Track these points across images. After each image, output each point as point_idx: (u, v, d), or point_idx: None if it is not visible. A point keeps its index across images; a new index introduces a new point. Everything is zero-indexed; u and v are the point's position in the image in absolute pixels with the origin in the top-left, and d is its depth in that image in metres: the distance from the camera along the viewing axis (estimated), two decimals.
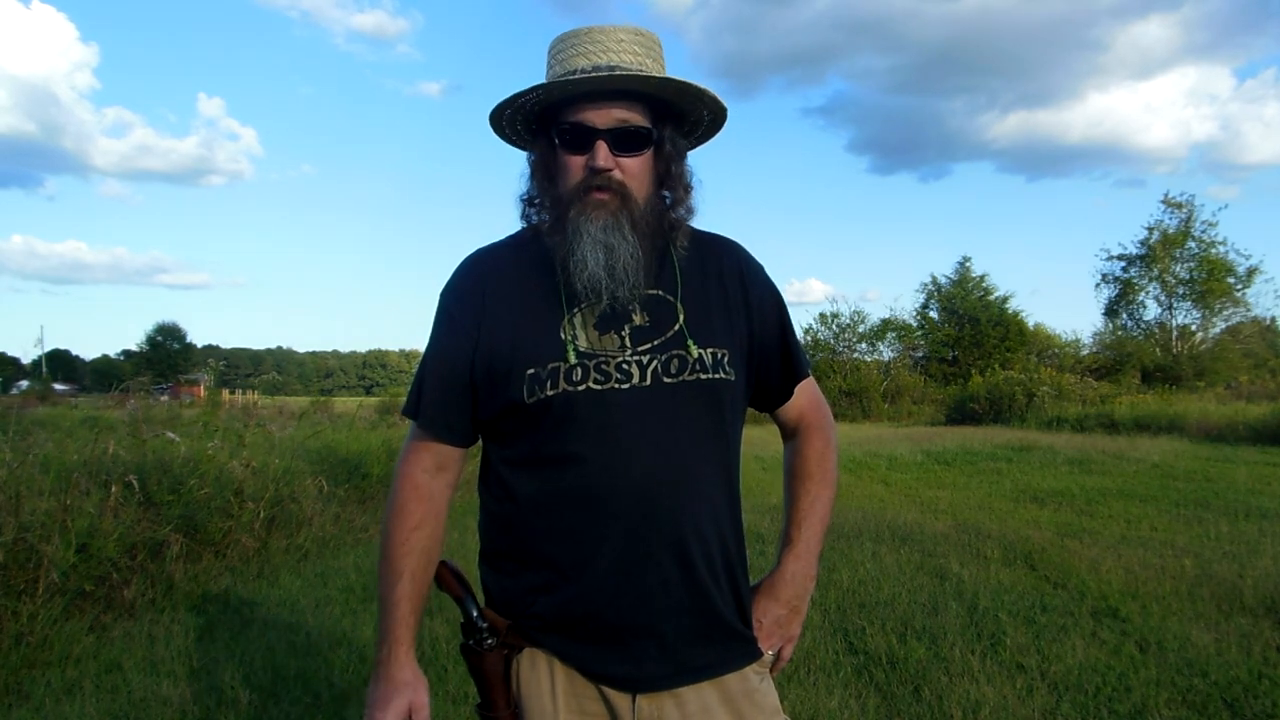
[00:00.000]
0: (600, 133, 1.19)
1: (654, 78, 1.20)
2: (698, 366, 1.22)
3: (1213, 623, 3.95)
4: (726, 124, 1.32)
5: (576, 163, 1.20)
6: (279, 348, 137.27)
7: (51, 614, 3.64)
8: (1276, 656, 3.48)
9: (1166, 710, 2.99)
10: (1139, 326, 32.80)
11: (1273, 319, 31.46)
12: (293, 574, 5.02)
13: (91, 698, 3.16)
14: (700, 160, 1.37)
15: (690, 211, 1.30)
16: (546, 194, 1.25)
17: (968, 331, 33.88)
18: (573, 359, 1.19)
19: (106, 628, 3.91)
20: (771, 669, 1.35)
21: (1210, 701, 3.06)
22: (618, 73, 1.18)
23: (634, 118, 1.21)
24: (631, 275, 1.19)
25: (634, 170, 1.22)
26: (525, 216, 1.31)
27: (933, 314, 35.86)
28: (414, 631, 1.26)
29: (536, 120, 1.27)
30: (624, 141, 1.20)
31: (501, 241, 1.34)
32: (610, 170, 1.19)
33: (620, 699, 1.21)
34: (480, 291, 1.26)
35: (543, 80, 1.26)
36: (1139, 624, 3.94)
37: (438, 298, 1.31)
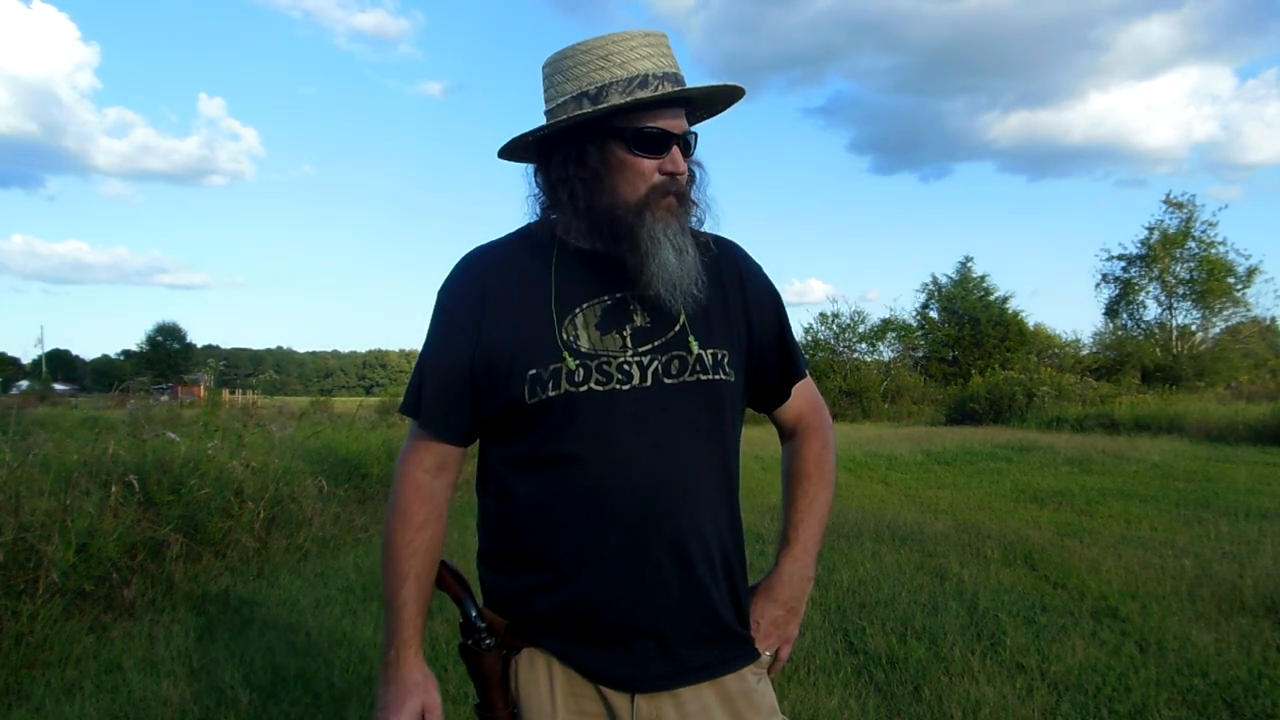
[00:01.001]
0: (676, 138, 1.22)
1: (741, 90, 1.26)
2: (698, 367, 1.22)
3: (1213, 623, 3.95)
4: (728, 124, 1.35)
5: (650, 166, 1.21)
6: (279, 348, 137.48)
7: (51, 614, 3.64)
8: (1276, 656, 3.48)
9: (1166, 710, 2.99)
10: (1139, 326, 32.83)
11: (1273, 319, 31.47)
12: (293, 574, 5.02)
13: (91, 698, 3.16)
14: (702, 159, 1.39)
15: (706, 214, 1.32)
16: (605, 196, 1.22)
17: (968, 331, 33.89)
18: (574, 360, 1.19)
19: (106, 628, 3.91)
20: (769, 670, 1.35)
21: (1210, 701, 3.06)
22: (682, 83, 1.22)
23: (687, 125, 1.26)
24: (698, 275, 1.22)
25: (687, 175, 1.26)
26: (554, 220, 1.28)
27: (933, 314, 35.87)
28: (421, 632, 1.26)
29: (580, 127, 1.22)
30: (685, 148, 1.24)
31: (500, 239, 1.33)
32: (684, 174, 1.23)
33: (619, 699, 1.21)
34: (480, 289, 1.25)
35: (542, 85, 1.27)
36: (1139, 624, 3.94)
37: (435, 295, 1.30)
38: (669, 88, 1.19)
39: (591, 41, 1.23)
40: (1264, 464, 10.78)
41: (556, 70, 1.25)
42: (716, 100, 1.30)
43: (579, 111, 1.20)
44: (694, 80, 1.26)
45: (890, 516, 7.00)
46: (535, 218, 1.31)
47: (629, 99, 1.18)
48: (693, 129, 1.27)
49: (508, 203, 1.33)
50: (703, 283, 1.23)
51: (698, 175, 1.30)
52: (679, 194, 1.23)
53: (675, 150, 1.21)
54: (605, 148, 1.21)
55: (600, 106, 1.18)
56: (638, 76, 1.19)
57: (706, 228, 1.33)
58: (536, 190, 1.29)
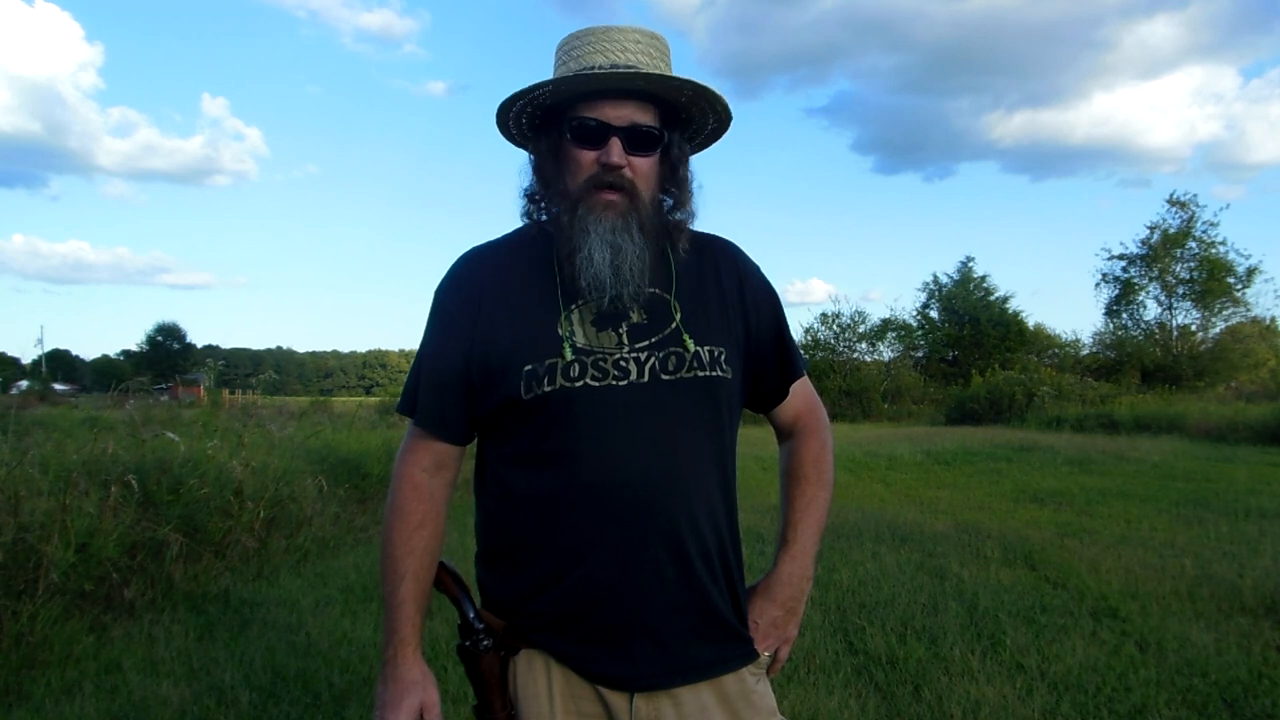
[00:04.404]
0: (615, 129, 1.20)
1: (678, 79, 1.21)
2: (695, 363, 1.22)
3: (1213, 623, 3.95)
4: (731, 125, 1.33)
5: (588, 157, 1.21)
6: (279, 348, 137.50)
7: (51, 614, 3.64)
8: (1276, 656, 3.47)
9: (1166, 710, 2.99)
10: (1139, 326, 32.78)
11: (1273, 319, 31.42)
12: (293, 574, 5.02)
13: (91, 698, 3.16)
14: (704, 160, 1.38)
15: (692, 216, 1.31)
16: (553, 188, 1.25)
17: (968, 331, 33.87)
18: (570, 355, 1.19)
19: (106, 628, 3.91)
20: (768, 671, 1.35)
21: (1210, 701, 3.06)
22: (639, 72, 1.19)
23: (647, 118, 1.23)
24: (636, 276, 1.20)
25: (644, 171, 1.23)
26: (527, 213, 1.31)
27: (933, 314, 35.86)
28: (420, 631, 1.26)
29: (545, 116, 1.26)
30: (637, 141, 1.21)
31: (498, 239, 1.34)
32: (623, 167, 1.20)
33: (618, 699, 1.21)
34: (476, 288, 1.25)
35: (552, 78, 1.26)
36: (1139, 624, 3.94)
37: (433, 294, 1.30)
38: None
39: (572, 36, 1.25)
40: (1264, 464, 10.78)
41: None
42: (694, 100, 1.25)
43: (513, 103, 1.23)
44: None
45: (890, 516, 6.99)
46: (522, 208, 1.32)
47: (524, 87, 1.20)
48: (653, 125, 1.23)
49: (511, 202, 1.34)
50: (646, 280, 1.21)
51: (679, 173, 1.28)
52: (620, 187, 1.21)
53: (614, 142, 1.19)
54: (557, 139, 1.24)
55: (517, 92, 1.21)
56: (583, 69, 1.19)
57: (708, 228, 1.33)
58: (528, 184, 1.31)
